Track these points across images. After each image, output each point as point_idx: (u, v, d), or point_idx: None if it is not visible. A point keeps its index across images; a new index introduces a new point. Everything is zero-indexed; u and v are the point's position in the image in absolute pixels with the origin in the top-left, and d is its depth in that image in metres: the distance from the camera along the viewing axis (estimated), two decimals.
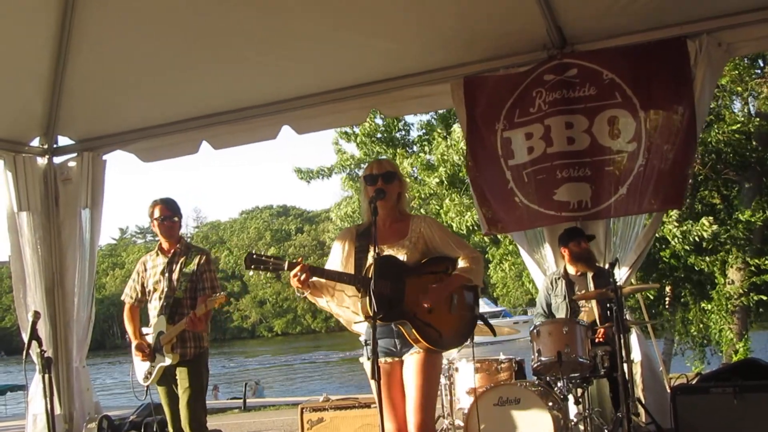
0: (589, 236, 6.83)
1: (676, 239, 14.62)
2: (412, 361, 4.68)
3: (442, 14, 6.79)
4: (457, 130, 15.59)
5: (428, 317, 4.63)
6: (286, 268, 4.62)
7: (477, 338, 5.32)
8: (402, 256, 4.78)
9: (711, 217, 14.87)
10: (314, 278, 4.73)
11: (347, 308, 4.90)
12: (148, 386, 6.36)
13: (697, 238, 14.76)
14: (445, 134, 16.59)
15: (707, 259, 15.68)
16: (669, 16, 6.45)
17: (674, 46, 6.49)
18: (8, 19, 6.65)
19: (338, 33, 7.07)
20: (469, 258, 4.78)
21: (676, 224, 14.50)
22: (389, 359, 4.78)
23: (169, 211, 6.40)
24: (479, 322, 5.02)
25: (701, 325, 17.18)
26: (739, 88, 15.10)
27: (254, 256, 4.65)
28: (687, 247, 15.09)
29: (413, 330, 4.60)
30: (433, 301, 4.61)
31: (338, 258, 4.96)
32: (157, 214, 6.38)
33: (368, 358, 4.41)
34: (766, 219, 15.34)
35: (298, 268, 4.59)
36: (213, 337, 6.58)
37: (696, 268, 15.86)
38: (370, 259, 4.65)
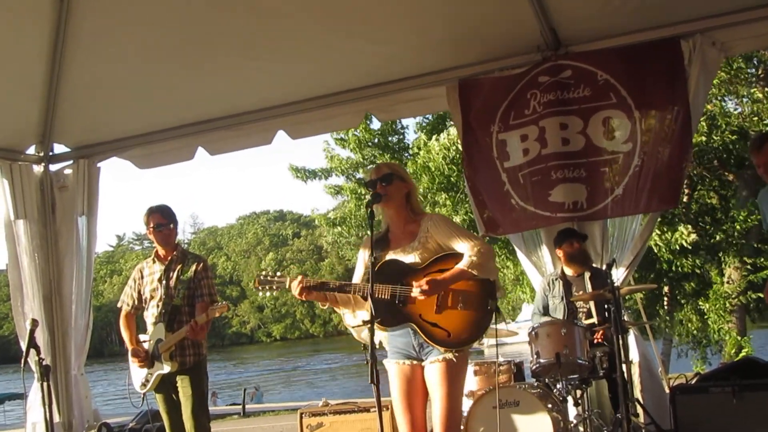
0: (582, 236, 6.84)
1: (657, 246, 14.65)
2: (434, 369, 4.63)
3: (435, 17, 6.79)
4: (441, 138, 15.69)
5: (435, 317, 4.59)
6: (287, 285, 4.84)
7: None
8: (415, 257, 4.74)
9: (689, 225, 14.87)
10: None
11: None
12: (144, 393, 6.36)
13: (677, 247, 14.81)
14: (425, 141, 16.67)
15: (690, 258, 15.66)
16: (662, 16, 6.45)
17: (668, 46, 6.50)
18: (2, 29, 6.65)
19: (332, 37, 7.07)
20: (474, 250, 4.63)
21: (658, 232, 14.51)
22: (408, 362, 4.75)
23: (164, 219, 6.41)
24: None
25: (699, 324, 17.18)
26: (724, 91, 15.13)
27: (262, 277, 4.94)
28: (669, 255, 15.15)
29: (420, 332, 4.60)
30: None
31: (362, 268, 4.99)
32: (152, 222, 6.39)
33: (367, 362, 4.39)
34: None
35: (296, 282, 4.77)
36: (211, 343, 6.60)
37: (682, 270, 15.84)
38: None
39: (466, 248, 4.67)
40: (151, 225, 6.39)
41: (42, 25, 6.81)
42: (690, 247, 15.05)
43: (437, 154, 15.60)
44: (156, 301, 6.31)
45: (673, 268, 15.69)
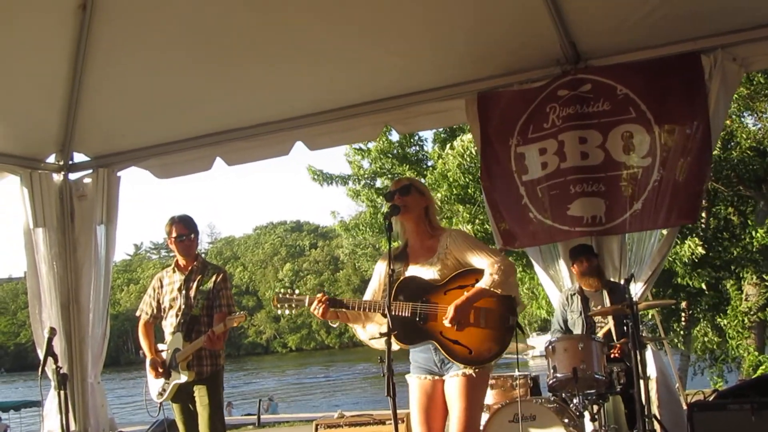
0: (592, 253, 6.81)
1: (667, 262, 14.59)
2: (453, 384, 4.62)
3: (456, 30, 6.79)
4: (455, 145, 15.73)
5: (456, 335, 4.58)
6: (306, 304, 4.90)
7: None
8: (434, 273, 4.73)
9: (696, 238, 14.80)
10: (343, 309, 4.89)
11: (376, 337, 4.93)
12: (161, 403, 6.36)
13: (686, 260, 14.74)
14: (439, 153, 16.71)
15: (703, 271, 15.57)
16: (683, 31, 6.43)
17: (688, 60, 6.47)
18: (25, 38, 6.70)
19: (352, 49, 7.09)
20: (494, 267, 4.61)
21: None
22: (429, 377, 4.75)
23: (186, 229, 6.43)
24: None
25: (718, 339, 17.09)
26: (742, 107, 15.07)
27: (281, 296, 4.99)
28: (681, 270, 15.09)
29: (441, 349, 4.59)
30: (455, 320, 4.56)
31: (377, 282, 5.01)
32: (174, 232, 6.40)
33: (383, 375, 4.39)
34: None
35: (316, 301, 4.82)
36: (227, 353, 6.61)
37: (695, 284, 15.75)
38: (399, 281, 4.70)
39: (486, 265, 4.65)
40: (173, 235, 6.41)
41: (64, 35, 6.85)
42: (697, 261, 15.00)
43: (452, 162, 15.64)
44: (175, 311, 6.33)
45: (687, 282, 15.64)
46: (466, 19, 6.69)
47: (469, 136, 14.71)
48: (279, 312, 5.09)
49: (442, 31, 6.84)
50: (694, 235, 15.03)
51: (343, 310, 4.90)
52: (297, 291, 5.01)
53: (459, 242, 4.80)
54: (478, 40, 6.87)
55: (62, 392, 5.47)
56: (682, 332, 17.63)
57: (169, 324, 6.36)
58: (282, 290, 5.01)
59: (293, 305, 4.95)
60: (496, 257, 4.72)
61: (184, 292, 6.33)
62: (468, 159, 15.41)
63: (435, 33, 6.87)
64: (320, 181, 19.40)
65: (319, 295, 4.85)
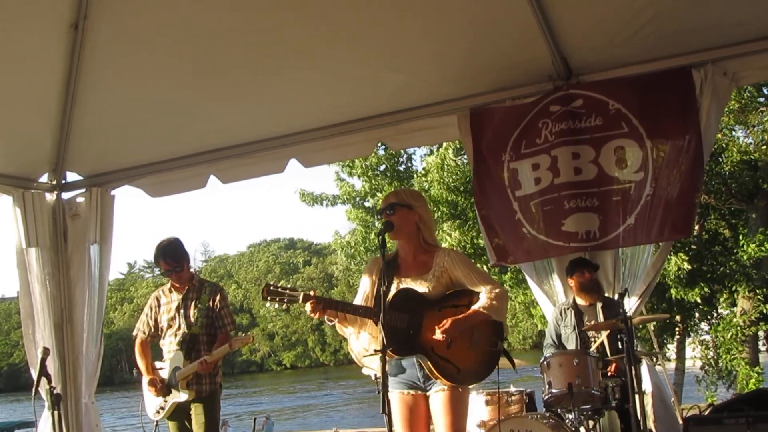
0: (594, 265, 6.82)
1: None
2: (439, 399, 4.67)
3: (450, 47, 6.81)
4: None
5: (446, 352, 4.60)
6: (300, 300, 4.71)
7: None
8: (425, 289, 4.77)
9: (682, 254, 14.82)
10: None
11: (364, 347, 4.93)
12: (157, 421, 6.35)
13: (672, 275, 14.75)
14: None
15: (697, 285, 15.56)
16: (673, 46, 6.46)
17: (679, 75, 6.50)
18: (17, 58, 6.69)
19: (347, 66, 7.09)
20: (491, 293, 4.71)
21: None
22: (412, 392, 4.78)
23: (174, 262, 6.42)
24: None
25: (709, 353, 17.09)
26: (731, 120, 15.10)
27: (271, 288, 4.75)
28: (672, 283, 15.10)
29: (430, 364, 4.59)
30: (449, 335, 4.57)
31: (366, 289, 5.00)
32: (162, 268, 6.42)
33: (378, 393, 4.40)
34: None
35: (310, 300, 4.68)
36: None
37: (687, 299, 15.73)
38: (393, 291, 4.68)
39: (483, 290, 4.73)
40: (161, 270, 6.43)
41: (56, 55, 6.84)
42: (684, 276, 15.00)
43: (434, 174, 15.72)
44: (174, 330, 6.34)
45: (681, 296, 15.62)
46: (460, 37, 6.71)
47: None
48: (267, 305, 4.84)
49: (436, 49, 6.85)
50: (681, 251, 15.04)
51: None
52: (290, 286, 4.84)
53: (457, 263, 4.85)
54: (471, 57, 6.89)
55: (56, 412, 5.46)
56: (676, 346, 17.64)
57: (167, 343, 6.37)
58: (273, 283, 4.79)
59: (284, 299, 4.71)
60: (493, 283, 4.81)
61: (182, 311, 6.34)
62: (448, 172, 15.58)
63: (430, 50, 6.88)
64: (309, 203, 19.45)
65: (312, 293, 4.74)
